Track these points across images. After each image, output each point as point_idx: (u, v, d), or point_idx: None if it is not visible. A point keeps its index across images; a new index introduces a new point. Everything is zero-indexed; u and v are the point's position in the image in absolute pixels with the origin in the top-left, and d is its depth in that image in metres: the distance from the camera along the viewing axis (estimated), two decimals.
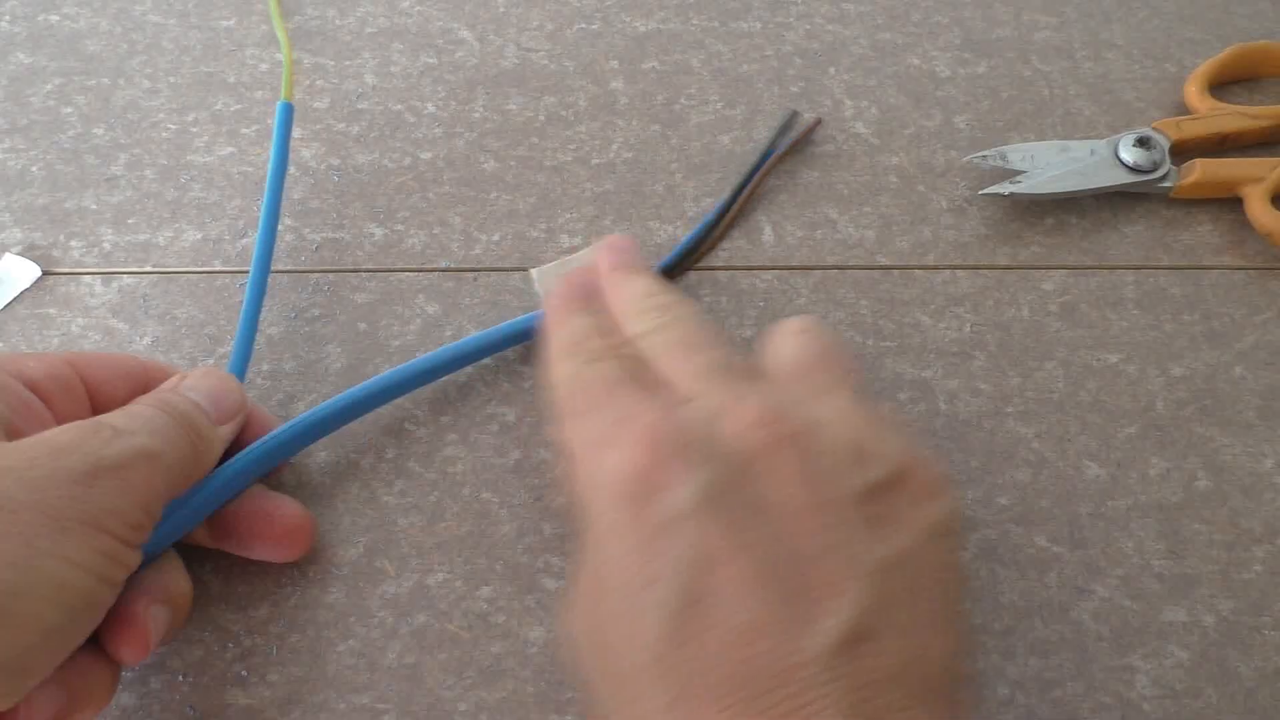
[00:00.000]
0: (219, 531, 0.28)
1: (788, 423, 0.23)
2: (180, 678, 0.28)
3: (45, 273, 0.35)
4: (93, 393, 0.27)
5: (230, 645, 0.28)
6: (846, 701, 0.20)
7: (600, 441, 0.24)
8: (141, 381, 0.28)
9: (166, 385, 0.28)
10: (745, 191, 0.36)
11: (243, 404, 0.28)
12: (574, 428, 0.26)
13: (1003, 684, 0.28)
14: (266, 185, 0.34)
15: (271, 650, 0.28)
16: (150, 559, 0.26)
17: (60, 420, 0.26)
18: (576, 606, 0.24)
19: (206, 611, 0.29)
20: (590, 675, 0.23)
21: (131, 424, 0.24)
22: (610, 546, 0.22)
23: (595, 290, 0.30)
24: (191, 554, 0.28)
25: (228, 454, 0.28)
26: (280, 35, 0.36)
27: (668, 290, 0.29)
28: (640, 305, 0.28)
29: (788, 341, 0.27)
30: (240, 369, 0.31)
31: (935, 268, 0.36)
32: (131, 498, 0.23)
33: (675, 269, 0.35)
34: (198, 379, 0.28)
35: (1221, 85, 0.40)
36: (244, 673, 0.28)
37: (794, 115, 0.38)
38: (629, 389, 0.25)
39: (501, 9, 0.42)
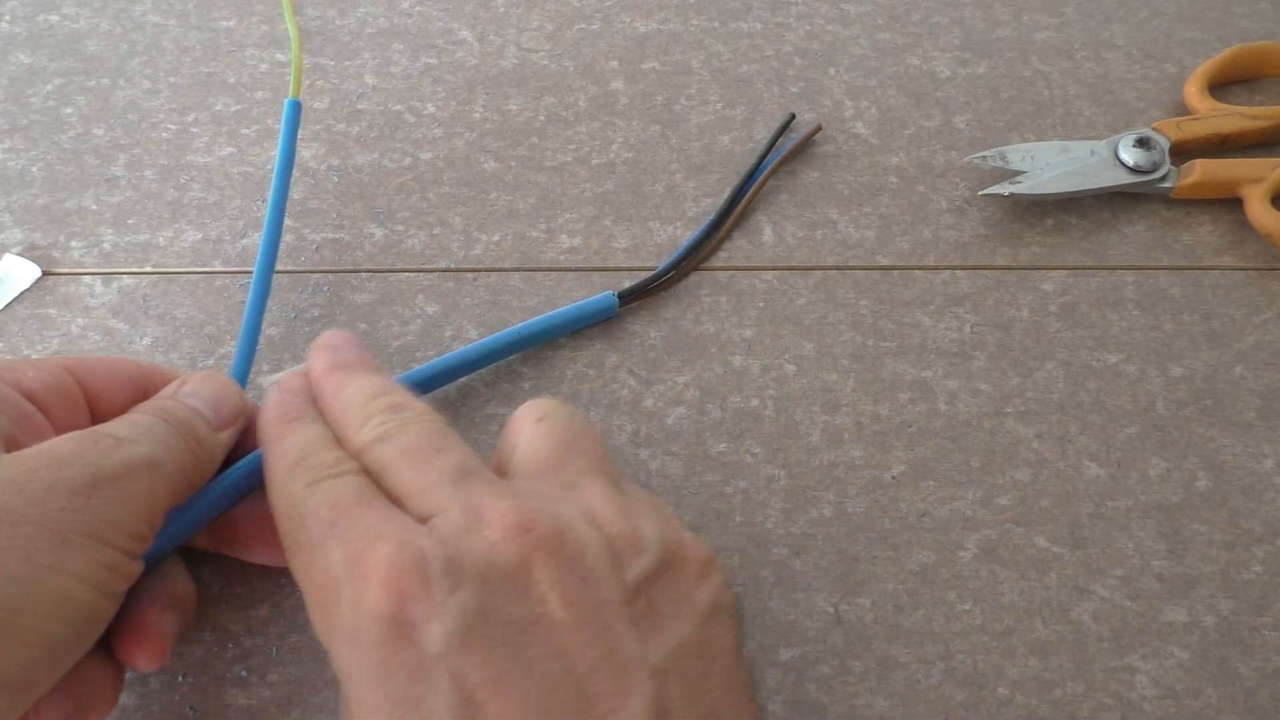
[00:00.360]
0: (221, 536, 0.28)
1: (539, 529, 0.22)
2: (180, 678, 0.28)
3: (45, 273, 0.35)
4: (92, 400, 0.27)
5: (230, 645, 0.28)
6: None
7: (335, 581, 0.21)
8: (141, 386, 0.28)
9: (166, 391, 0.28)
10: (747, 194, 0.36)
11: (243, 409, 0.28)
12: (303, 565, 0.23)
13: (1003, 684, 0.28)
14: (272, 184, 0.34)
15: (271, 650, 0.28)
16: (154, 565, 0.26)
17: (59, 430, 0.26)
18: None
19: (206, 612, 0.29)
20: None
21: (132, 433, 0.24)
22: (367, 700, 0.20)
23: (314, 397, 0.27)
24: (191, 556, 0.28)
25: (231, 457, 0.28)
26: (292, 31, 0.36)
27: (395, 390, 0.26)
28: (365, 410, 0.25)
29: (526, 432, 0.25)
30: (242, 372, 0.31)
31: (935, 268, 0.36)
32: (132, 508, 0.23)
33: (677, 271, 0.35)
34: (197, 384, 0.28)
35: (1221, 85, 0.40)
36: (244, 673, 0.28)
37: (792, 117, 0.38)
38: (360, 512, 0.22)
39: (501, 9, 0.42)
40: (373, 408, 0.25)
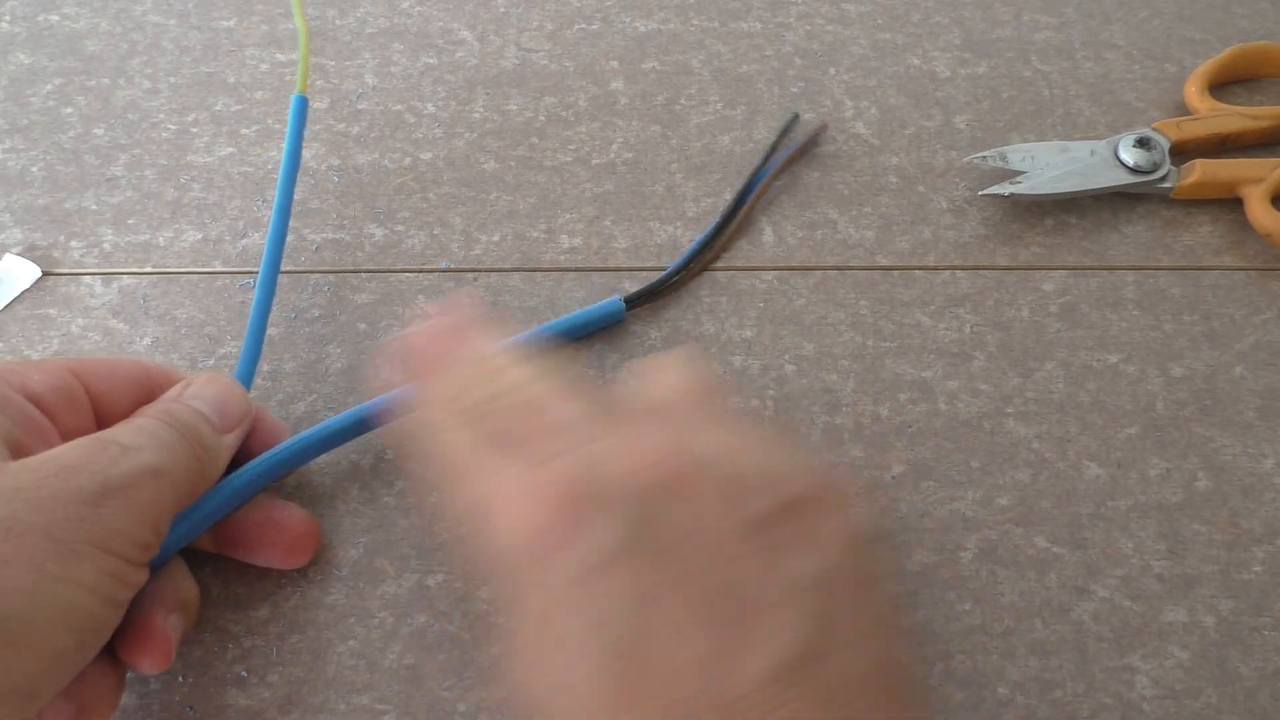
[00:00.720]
0: (223, 539, 0.28)
1: (687, 455, 0.23)
2: (180, 678, 0.28)
3: (45, 273, 0.35)
4: (96, 402, 0.27)
5: (230, 646, 0.28)
6: (831, 710, 0.20)
7: (506, 500, 0.23)
8: (146, 388, 0.28)
9: (170, 394, 0.27)
10: (752, 196, 0.36)
11: (248, 411, 0.28)
12: (472, 490, 0.24)
13: (1003, 684, 0.28)
14: (279, 182, 0.33)
15: (271, 651, 0.28)
16: (158, 568, 0.26)
17: (64, 433, 0.26)
18: (515, 666, 0.24)
19: (206, 612, 0.29)
20: None
21: (138, 439, 0.24)
22: (536, 602, 0.22)
23: (458, 347, 0.28)
24: (191, 556, 0.28)
25: (236, 458, 0.28)
26: (299, 25, 0.35)
27: (527, 346, 0.27)
28: (505, 360, 0.26)
29: (665, 376, 0.27)
30: (247, 374, 0.31)
31: (935, 268, 0.36)
32: (139, 517, 0.23)
33: (682, 274, 0.35)
34: (202, 386, 0.28)
35: (1221, 86, 0.40)
36: (244, 673, 0.28)
37: (795, 118, 0.38)
38: (536, 431, 0.24)
39: (501, 9, 0.42)
40: (511, 358, 0.26)
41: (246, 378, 0.30)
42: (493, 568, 0.23)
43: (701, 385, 0.26)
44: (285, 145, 0.34)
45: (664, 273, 0.34)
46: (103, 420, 0.27)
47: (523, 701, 0.23)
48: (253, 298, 0.32)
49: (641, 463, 0.23)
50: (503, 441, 0.24)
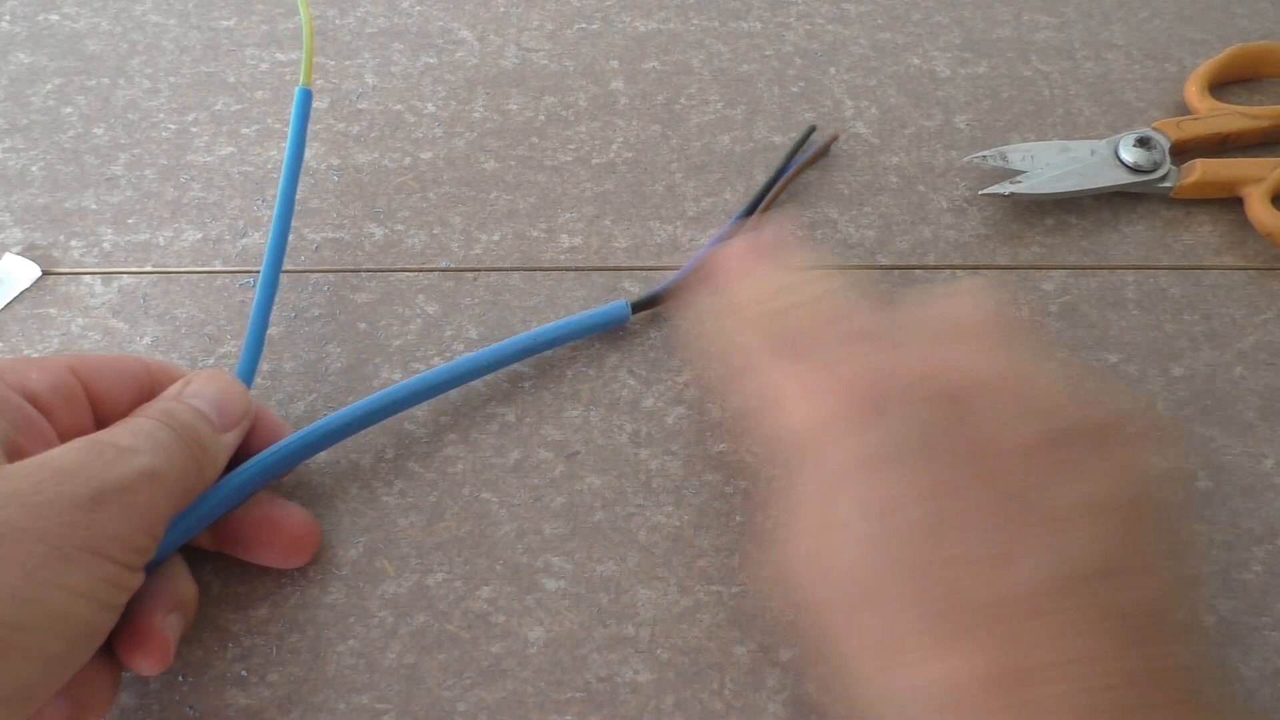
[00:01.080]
0: (222, 537, 0.28)
1: (986, 369, 0.24)
2: (180, 678, 0.28)
3: (45, 273, 0.35)
4: (96, 400, 0.27)
5: (230, 645, 0.28)
6: (1106, 627, 0.21)
7: (800, 390, 0.24)
8: (146, 386, 0.28)
9: (170, 392, 0.27)
10: (762, 204, 0.36)
11: (249, 409, 0.28)
12: (764, 381, 0.26)
13: None
14: (282, 176, 0.33)
15: (271, 650, 0.28)
16: (155, 568, 0.26)
17: (62, 433, 0.26)
18: (784, 546, 0.24)
19: (206, 612, 0.29)
20: (811, 608, 0.24)
21: (134, 441, 0.24)
22: (817, 484, 0.23)
23: (765, 261, 0.30)
24: (191, 554, 0.28)
25: (236, 456, 0.28)
26: (304, 14, 0.35)
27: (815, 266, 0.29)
28: (807, 276, 0.28)
29: (965, 300, 0.27)
30: (248, 371, 0.30)
31: (935, 267, 0.36)
32: (134, 522, 0.23)
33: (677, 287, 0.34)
34: (202, 384, 0.27)
35: (1222, 85, 0.40)
36: (244, 673, 0.28)
37: (812, 130, 0.38)
38: (835, 336, 0.25)
39: (501, 9, 0.42)
40: (823, 271, 0.28)
41: (247, 375, 0.30)
42: (777, 451, 0.25)
43: (999, 312, 0.27)
44: (289, 138, 0.33)
45: (670, 278, 0.34)
46: (102, 419, 0.27)
47: (782, 581, 0.24)
48: (253, 296, 0.32)
49: (936, 371, 0.24)
50: (799, 344, 0.26)
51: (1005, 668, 0.20)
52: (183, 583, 0.27)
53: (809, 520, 0.23)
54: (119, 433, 0.25)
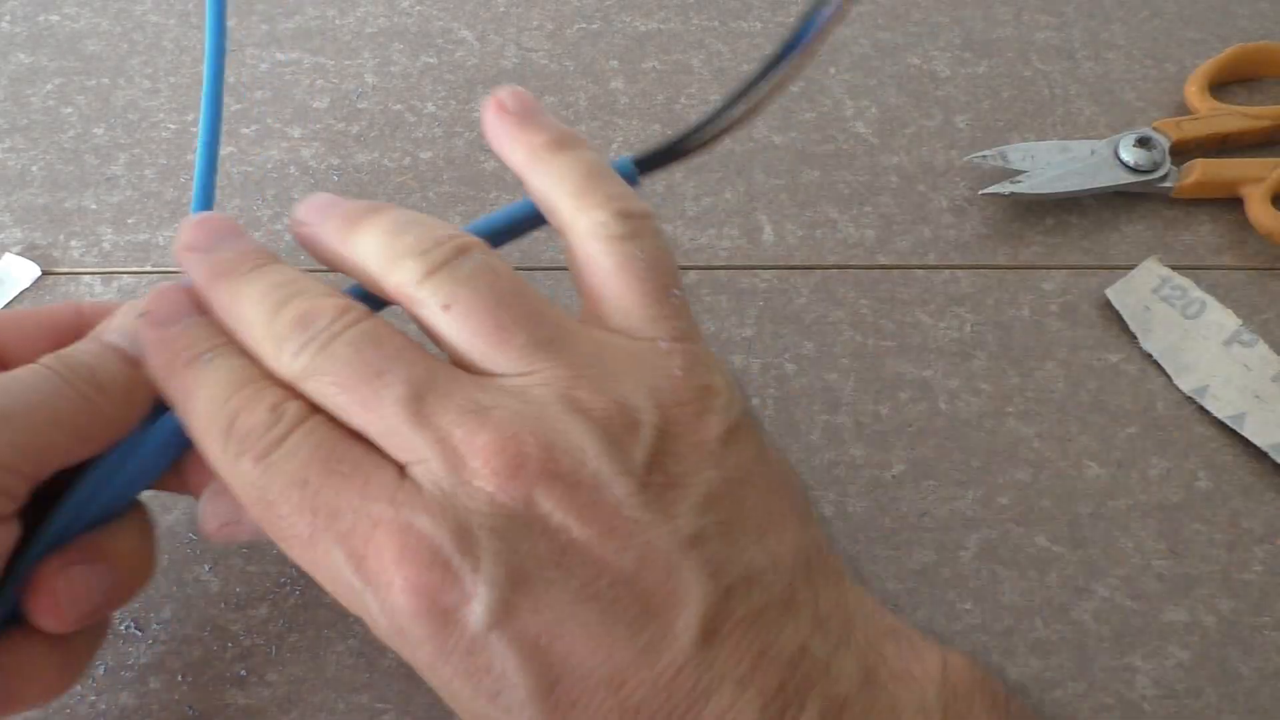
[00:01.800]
0: (182, 483, 0.25)
1: (527, 458, 0.20)
2: (179, 677, 0.28)
3: (45, 272, 0.35)
4: (5, 361, 0.24)
5: (230, 645, 0.28)
6: (751, 654, 0.19)
7: (351, 586, 0.20)
8: (70, 336, 0.25)
9: (91, 333, 0.24)
10: (793, 58, 0.26)
11: (176, 309, 0.23)
12: (305, 561, 0.21)
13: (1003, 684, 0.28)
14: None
15: (271, 650, 0.28)
16: (70, 524, 0.23)
17: None
18: None
19: (206, 611, 0.29)
20: None
21: None
22: (437, 678, 0.20)
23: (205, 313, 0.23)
24: (191, 553, 0.28)
25: None
26: None
27: (297, 286, 0.22)
28: (274, 332, 0.21)
29: (436, 323, 0.22)
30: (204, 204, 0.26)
31: (935, 267, 0.36)
32: None
33: (701, 133, 0.28)
34: (122, 314, 0.24)
35: (1222, 85, 0.40)
36: (243, 673, 0.28)
37: None
38: (336, 487, 0.20)
39: (501, 9, 0.42)
40: (281, 327, 0.21)
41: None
42: (378, 636, 0.21)
43: (497, 299, 0.22)
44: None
45: (688, 129, 0.28)
46: None
47: None
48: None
49: (490, 486, 0.20)
50: (331, 465, 0.20)
51: None
52: (112, 533, 0.24)
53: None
54: None
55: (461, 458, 0.20)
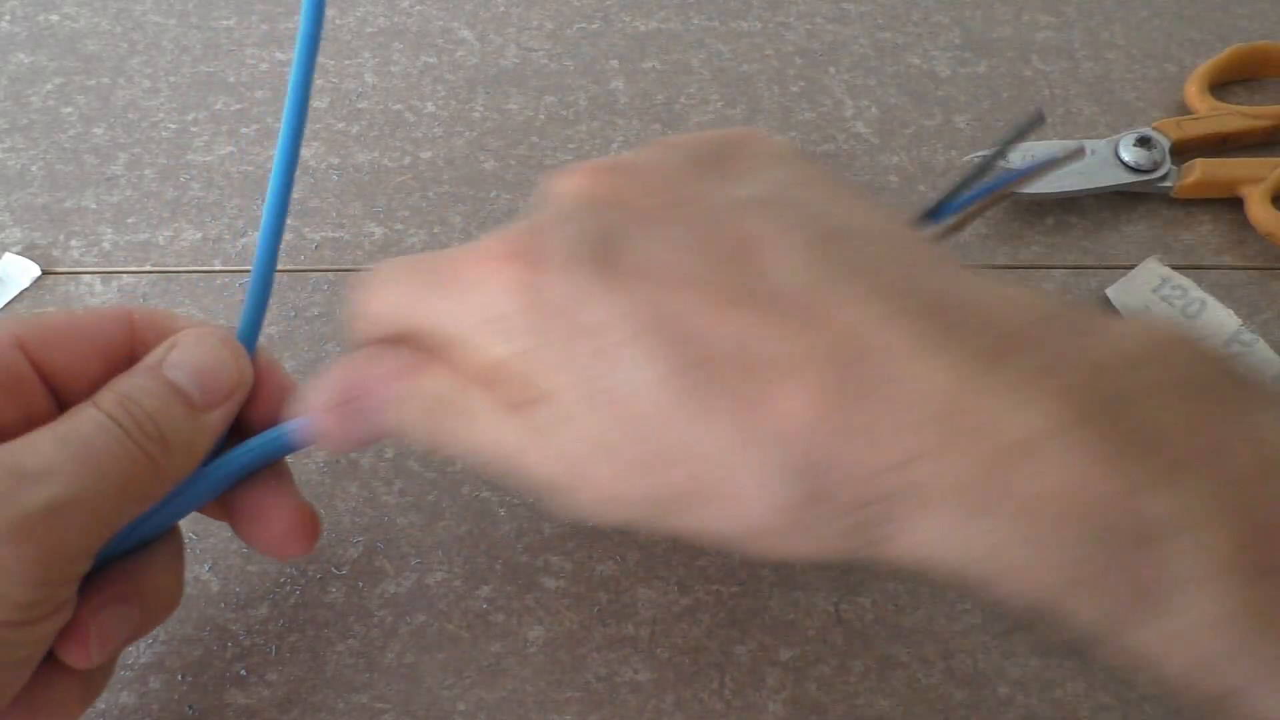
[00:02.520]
0: (223, 510, 0.26)
1: (596, 163, 0.22)
2: (179, 677, 0.28)
3: (45, 272, 0.35)
4: (52, 376, 0.23)
5: (230, 645, 0.28)
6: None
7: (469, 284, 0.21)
8: (123, 348, 0.24)
9: (148, 361, 0.23)
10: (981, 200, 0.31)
11: (241, 378, 0.24)
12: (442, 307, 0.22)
13: (1003, 683, 0.28)
14: (288, 93, 0.27)
15: (271, 650, 0.28)
16: (110, 559, 0.23)
17: (3, 430, 0.22)
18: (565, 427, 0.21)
19: (206, 611, 0.29)
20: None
21: (49, 459, 0.20)
22: (551, 359, 0.20)
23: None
24: (191, 553, 0.28)
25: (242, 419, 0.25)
26: None
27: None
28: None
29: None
30: (251, 328, 0.25)
31: None
32: (20, 574, 0.20)
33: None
34: (185, 350, 0.23)
35: (1222, 85, 0.40)
36: (243, 672, 0.28)
37: (1040, 117, 0.33)
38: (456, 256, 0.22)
39: (501, 8, 0.42)
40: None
41: (250, 334, 0.25)
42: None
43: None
44: (297, 45, 0.27)
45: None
46: (65, 397, 0.23)
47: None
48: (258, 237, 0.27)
49: (567, 188, 0.22)
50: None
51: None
52: (143, 570, 0.24)
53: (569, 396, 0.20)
54: (34, 446, 0.21)
55: (557, 184, 0.22)
